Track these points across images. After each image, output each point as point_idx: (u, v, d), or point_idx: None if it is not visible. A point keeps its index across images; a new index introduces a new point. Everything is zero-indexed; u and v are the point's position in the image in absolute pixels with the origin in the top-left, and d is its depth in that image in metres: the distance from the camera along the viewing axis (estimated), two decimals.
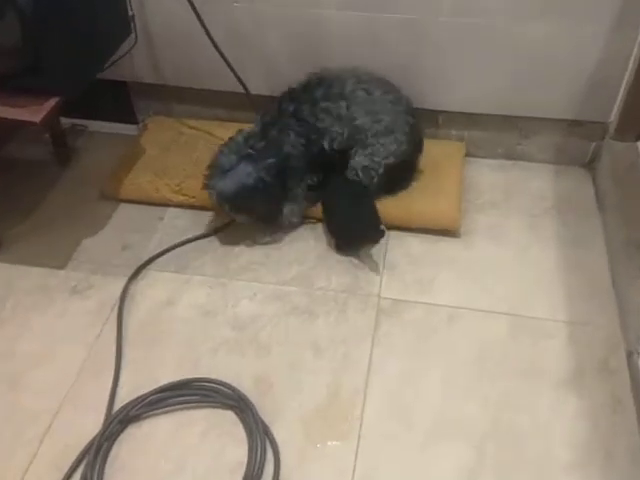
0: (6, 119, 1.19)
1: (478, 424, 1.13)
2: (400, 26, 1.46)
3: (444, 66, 1.52)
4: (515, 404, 1.16)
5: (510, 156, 1.66)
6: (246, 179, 1.34)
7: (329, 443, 1.12)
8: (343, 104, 1.39)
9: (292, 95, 1.41)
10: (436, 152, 1.61)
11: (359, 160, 1.42)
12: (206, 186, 1.38)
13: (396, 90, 1.46)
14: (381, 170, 1.43)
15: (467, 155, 1.65)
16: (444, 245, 1.45)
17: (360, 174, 1.43)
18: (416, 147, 1.50)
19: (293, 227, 1.49)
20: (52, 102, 1.23)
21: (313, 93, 1.39)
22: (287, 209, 1.44)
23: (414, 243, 1.46)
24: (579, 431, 1.12)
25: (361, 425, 1.14)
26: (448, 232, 1.46)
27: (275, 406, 1.16)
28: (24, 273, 1.41)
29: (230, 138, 1.41)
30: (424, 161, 1.58)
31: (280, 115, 1.40)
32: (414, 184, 1.53)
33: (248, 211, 1.42)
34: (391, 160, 1.43)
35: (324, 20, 1.48)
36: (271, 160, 1.35)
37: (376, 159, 1.42)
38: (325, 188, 1.47)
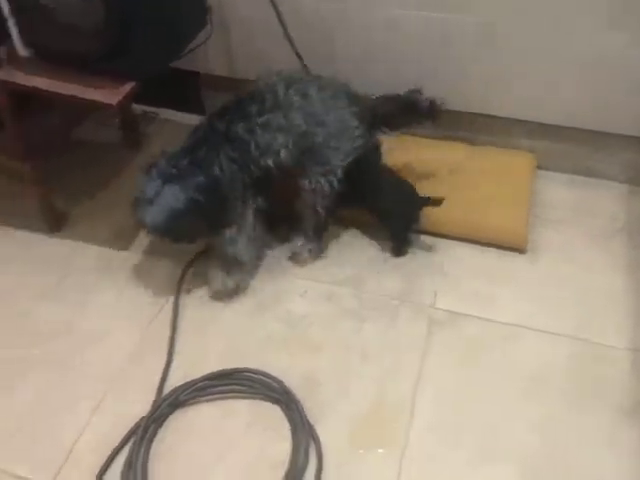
0: (84, 99, 1.22)
1: (528, 448, 1.09)
2: (474, 29, 1.43)
3: (519, 73, 1.47)
4: (568, 431, 1.11)
5: (583, 172, 1.59)
6: (175, 203, 1.19)
7: (373, 450, 1.10)
8: (279, 114, 1.24)
9: (224, 114, 1.26)
10: (505, 162, 1.57)
11: (314, 170, 1.30)
12: (136, 218, 1.24)
13: (332, 83, 1.31)
14: (340, 174, 1.31)
15: (539, 168, 1.60)
16: (507, 259, 1.41)
17: (317, 183, 1.30)
18: (373, 131, 1.36)
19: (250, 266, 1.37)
20: (128, 86, 1.25)
21: (246, 109, 1.25)
22: (229, 240, 1.30)
23: (474, 255, 1.42)
24: (634, 466, 1.06)
25: (407, 435, 1.11)
26: (513, 248, 1.42)
27: (321, 406, 1.16)
28: (86, 252, 1.45)
29: (150, 165, 1.25)
30: (491, 169, 1.54)
31: (212, 134, 1.26)
32: (480, 193, 1.49)
33: (187, 237, 1.30)
34: (349, 160, 1.31)
35: (397, 19, 1.46)
36: (200, 178, 1.21)
37: (333, 163, 1.30)
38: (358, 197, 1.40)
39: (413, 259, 1.41)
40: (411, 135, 1.60)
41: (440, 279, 1.37)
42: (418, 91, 1.37)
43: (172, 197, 1.20)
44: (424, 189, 1.42)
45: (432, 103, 1.36)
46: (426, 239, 1.45)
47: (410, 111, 1.38)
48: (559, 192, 1.56)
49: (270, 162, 1.26)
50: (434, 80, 1.52)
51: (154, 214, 1.21)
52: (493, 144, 1.61)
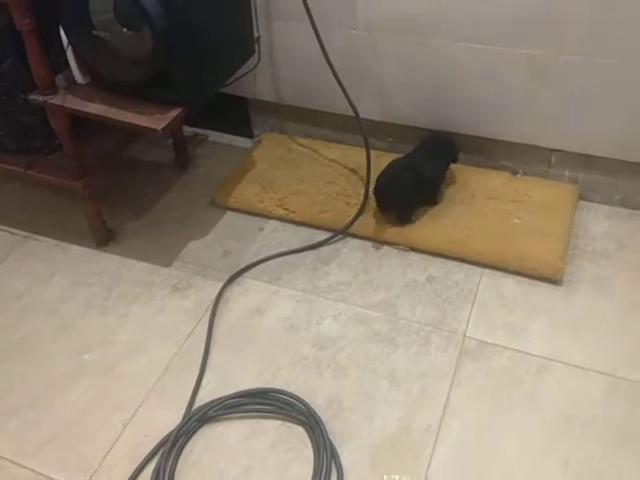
0: (131, 124, 1.30)
1: None
2: (519, 61, 1.42)
3: (561, 104, 1.46)
4: (599, 472, 1.07)
5: (629, 204, 1.55)
6: None
7: (395, 477, 1.09)
8: None
9: None
10: (545, 193, 1.55)
11: None
12: None
13: None
14: None
15: (581, 199, 1.57)
16: (543, 290, 1.38)
17: None
18: None
19: None
20: (174, 112, 1.32)
21: None
22: None
23: (510, 284, 1.40)
24: None
25: (429, 466, 1.10)
26: (548, 279, 1.39)
27: (345, 430, 1.17)
28: (132, 267, 1.52)
29: None
30: (531, 200, 1.52)
31: None
32: (518, 221, 1.48)
33: None
34: None
35: (440, 50, 1.48)
36: None
37: None
38: None
39: (447, 286, 1.41)
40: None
41: (473, 308, 1.36)
42: None
43: None
44: (460, 212, 1.46)
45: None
46: (461, 267, 1.45)
47: None
48: (603, 224, 1.52)
49: None
50: (475, 108, 1.54)
51: None
52: (535, 174, 1.60)
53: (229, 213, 1.65)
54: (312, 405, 1.19)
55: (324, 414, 1.18)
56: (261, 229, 1.60)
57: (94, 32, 1.21)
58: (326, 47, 1.47)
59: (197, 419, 1.19)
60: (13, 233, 1.62)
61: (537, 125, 1.51)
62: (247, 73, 1.60)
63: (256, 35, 1.53)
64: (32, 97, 1.33)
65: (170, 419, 1.19)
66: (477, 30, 1.42)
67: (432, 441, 1.14)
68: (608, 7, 1.30)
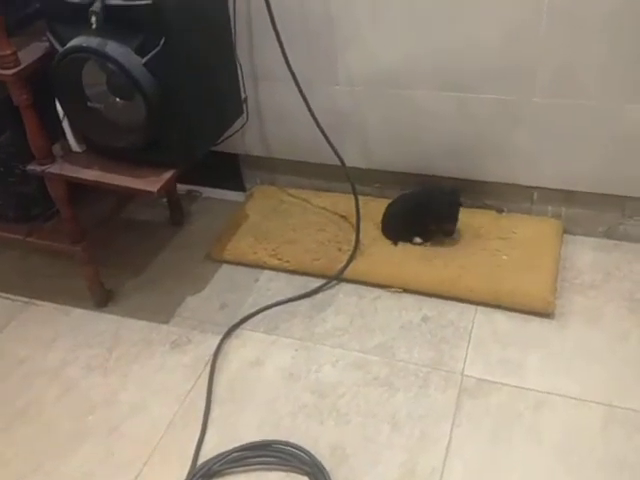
0: (127, 188, 1.34)
1: None
2: (494, 106, 1.49)
3: (538, 144, 1.52)
4: None
5: (612, 236, 1.60)
6: None
7: None
8: None
9: None
10: (531, 229, 1.59)
11: None
12: None
13: None
14: None
15: (566, 232, 1.62)
16: (535, 325, 1.41)
17: None
18: None
19: None
20: (168, 174, 1.37)
21: None
22: None
23: (503, 320, 1.43)
24: None
25: None
26: (540, 313, 1.42)
27: (349, 477, 1.17)
28: (131, 326, 1.54)
29: None
30: (518, 237, 1.56)
31: None
32: (506, 258, 1.52)
33: None
34: None
35: (417, 100, 1.55)
36: None
37: None
38: None
39: (442, 325, 1.43)
40: None
41: (469, 346, 1.38)
42: None
43: None
44: (449, 252, 1.51)
45: None
46: (454, 305, 1.48)
47: None
48: (589, 256, 1.56)
49: None
50: (455, 152, 1.60)
51: None
52: (519, 211, 1.65)
53: (225, 266, 1.68)
54: (315, 454, 1.20)
55: (328, 462, 1.19)
56: (256, 280, 1.63)
57: (89, 104, 1.28)
58: (310, 102, 1.54)
59: (202, 475, 1.20)
60: (13, 300, 1.65)
61: (516, 165, 1.57)
62: (237, 132, 1.66)
63: (244, 96, 1.60)
64: (30, 167, 1.38)
65: (175, 476, 1.20)
66: (451, 80, 1.50)
67: None
68: (575, 51, 1.37)
